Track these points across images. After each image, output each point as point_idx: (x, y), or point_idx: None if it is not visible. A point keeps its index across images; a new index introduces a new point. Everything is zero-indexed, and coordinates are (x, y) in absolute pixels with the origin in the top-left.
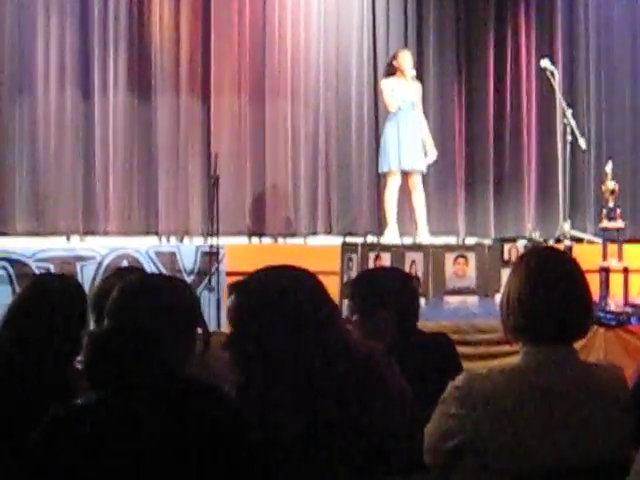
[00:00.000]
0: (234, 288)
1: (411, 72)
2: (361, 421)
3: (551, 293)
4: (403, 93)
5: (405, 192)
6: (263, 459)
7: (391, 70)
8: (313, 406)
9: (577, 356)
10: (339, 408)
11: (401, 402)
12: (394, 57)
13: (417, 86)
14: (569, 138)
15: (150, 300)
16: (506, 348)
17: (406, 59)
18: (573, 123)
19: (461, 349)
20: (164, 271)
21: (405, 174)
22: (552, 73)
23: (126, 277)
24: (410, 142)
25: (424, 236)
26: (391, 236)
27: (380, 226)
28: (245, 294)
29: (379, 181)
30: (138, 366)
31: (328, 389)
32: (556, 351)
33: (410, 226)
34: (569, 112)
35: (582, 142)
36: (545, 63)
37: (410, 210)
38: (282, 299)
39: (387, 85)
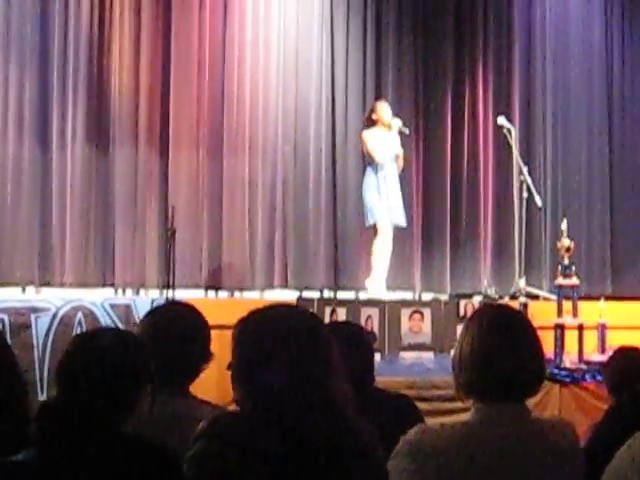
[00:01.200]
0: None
1: (393, 121)
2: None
3: (503, 350)
4: (386, 145)
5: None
6: None
7: (370, 123)
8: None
9: (528, 413)
10: (318, 455)
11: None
12: (372, 110)
13: (396, 137)
14: (525, 195)
15: (99, 362)
16: (461, 404)
17: (384, 110)
18: (529, 180)
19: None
20: (119, 323)
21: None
22: (509, 130)
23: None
24: (393, 197)
25: (381, 291)
26: (374, 287)
27: (337, 280)
28: (248, 321)
29: (336, 235)
30: (84, 428)
31: (311, 435)
32: (507, 408)
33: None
34: (525, 169)
35: (538, 199)
36: (502, 121)
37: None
38: (284, 331)
39: (369, 136)
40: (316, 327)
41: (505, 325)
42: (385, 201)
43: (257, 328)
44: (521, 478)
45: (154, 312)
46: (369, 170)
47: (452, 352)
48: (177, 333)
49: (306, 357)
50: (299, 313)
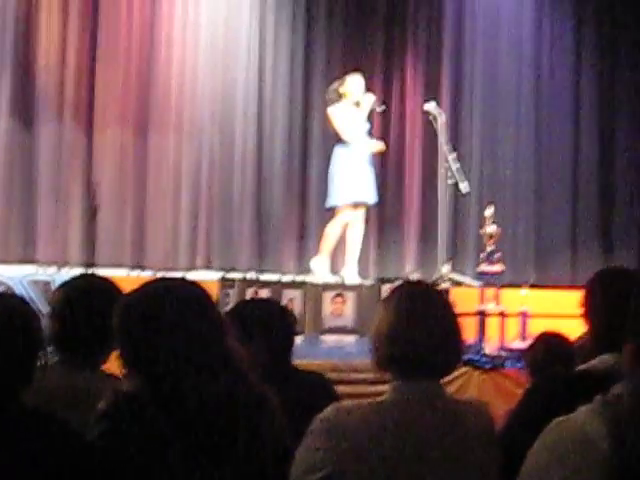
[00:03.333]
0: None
1: (363, 98)
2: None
3: (419, 326)
4: (355, 122)
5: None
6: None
7: (337, 97)
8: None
9: (443, 391)
10: (224, 428)
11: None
12: (341, 83)
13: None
14: (450, 181)
15: None
16: (383, 387)
17: (354, 84)
18: (454, 167)
19: (338, 388)
20: (38, 301)
21: (354, 205)
22: (435, 117)
23: None
24: (363, 174)
25: (352, 276)
26: (318, 268)
27: (260, 261)
28: (129, 303)
29: (260, 217)
30: None
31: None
32: (422, 386)
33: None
34: (451, 156)
35: (463, 186)
36: (429, 107)
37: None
38: (168, 305)
39: (336, 112)
40: (199, 293)
41: (423, 301)
42: (352, 181)
43: (139, 301)
44: (435, 457)
45: (67, 283)
46: (337, 148)
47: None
48: (88, 304)
49: (195, 322)
50: (181, 284)
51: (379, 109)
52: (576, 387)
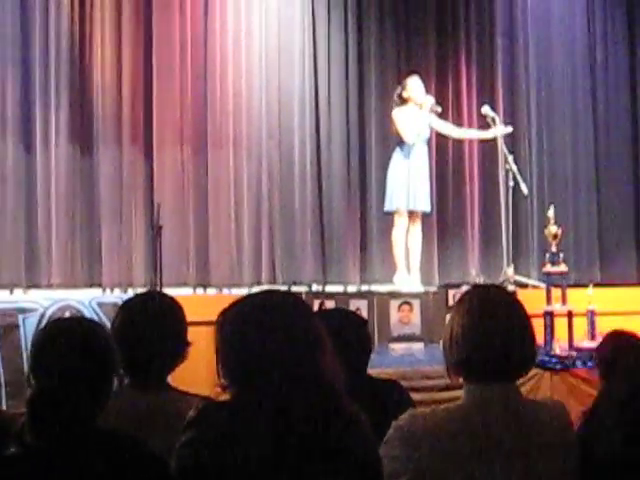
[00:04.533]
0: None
1: (425, 99)
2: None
3: (493, 329)
4: (418, 126)
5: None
6: None
7: (401, 101)
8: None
9: (519, 393)
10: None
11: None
12: (403, 87)
13: (433, 115)
14: (511, 183)
15: (69, 349)
16: (452, 394)
17: (415, 87)
18: (515, 168)
19: None
20: (107, 322)
21: (409, 213)
22: (493, 119)
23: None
24: (419, 180)
25: (415, 283)
26: (402, 282)
27: (324, 273)
28: (231, 308)
29: (323, 229)
30: (69, 420)
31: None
32: (498, 388)
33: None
34: (510, 157)
35: (524, 187)
36: (486, 110)
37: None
38: (272, 314)
39: (399, 115)
40: (301, 306)
41: (496, 304)
42: (408, 188)
43: (239, 312)
44: (514, 459)
45: (129, 302)
46: (397, 151)
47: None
48: (152, 323)
49: (292, 335)
50: (283, 295)
51: (436, 109)
52: None
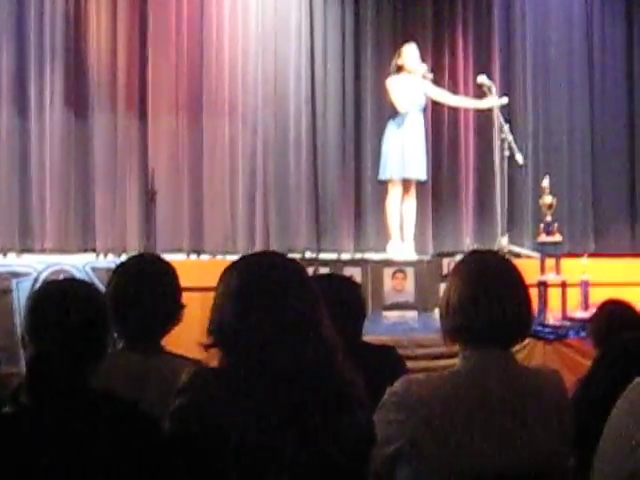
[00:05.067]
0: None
1: (419, 67)
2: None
3: (491, 294)
4: (412, 95)
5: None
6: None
7: (397, 69)
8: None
9: (515, 360)
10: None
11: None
12: (398, 54)
13: (428, 83)
14: (506, 153)
15: (67, 308)
16: (446, 362)
17: (410, 54)
18: (510, 138)
19: None
20: (101, 286)
21: (403, 181)
22: (489, 88)
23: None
24: (414, 149)
25: (408, 251)
26: (395, 251)
27: (318, 241)
28: (231, 269)
29: (317, 198)
30: (66, 380)
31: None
32: (494, 354)
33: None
34: (506, 127)
35: (519, 157)
36: (482, 79)
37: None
38: (269, 278)
39: (393, 84)
40: (300, 270)
41: (493, 270)
42: (403, 156)
43: (240, 273)
44: (510, 425)
45: (123, 265)
46: (391, 120)
47: (436, 311)
48: (146, 285)
49: (292, 302)
50: (283, 259)
51: (428, 76)
52: None
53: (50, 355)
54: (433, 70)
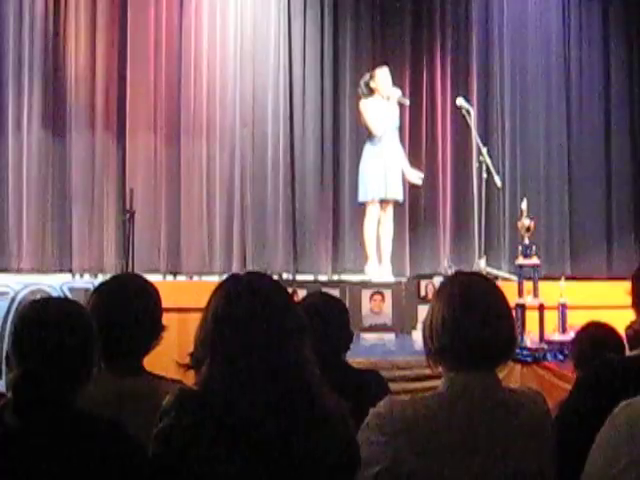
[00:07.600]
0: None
1: (392, 91)
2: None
3: (474, 316)
4: (386, 117)
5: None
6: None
7: (369, 91)
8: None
9: (499, 382)
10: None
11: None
12: (371, 77)
13: (396, 107)
14: (484, 176)
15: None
16: (424, 384)
17: (383, 78)
18: (488, 161)
19: None
20: None
21: (381, 202)
22: (468, 111)
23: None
24: (392, 170)
25: (386, 273)
26: (373, 272)
27: (296, 262)
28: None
29: (294, 219)
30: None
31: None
32: (479, 376)
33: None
34: (484, 150)
35: (497, 180)
36: (460, 101)
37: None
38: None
39: (367, 106)
40: (285, 292)
41: (476, 291)
42: (380, 177)
43: (227, 294)
44: (493, 447)
45: (103, 285)
46: (368, 143)
47: (413, 333)
48: (127, 305)
49: (275, 326)
50: (270, 280)
51: (404, 102)
52: (630, 373)
53: (36, 375)
54: (410, 93)
